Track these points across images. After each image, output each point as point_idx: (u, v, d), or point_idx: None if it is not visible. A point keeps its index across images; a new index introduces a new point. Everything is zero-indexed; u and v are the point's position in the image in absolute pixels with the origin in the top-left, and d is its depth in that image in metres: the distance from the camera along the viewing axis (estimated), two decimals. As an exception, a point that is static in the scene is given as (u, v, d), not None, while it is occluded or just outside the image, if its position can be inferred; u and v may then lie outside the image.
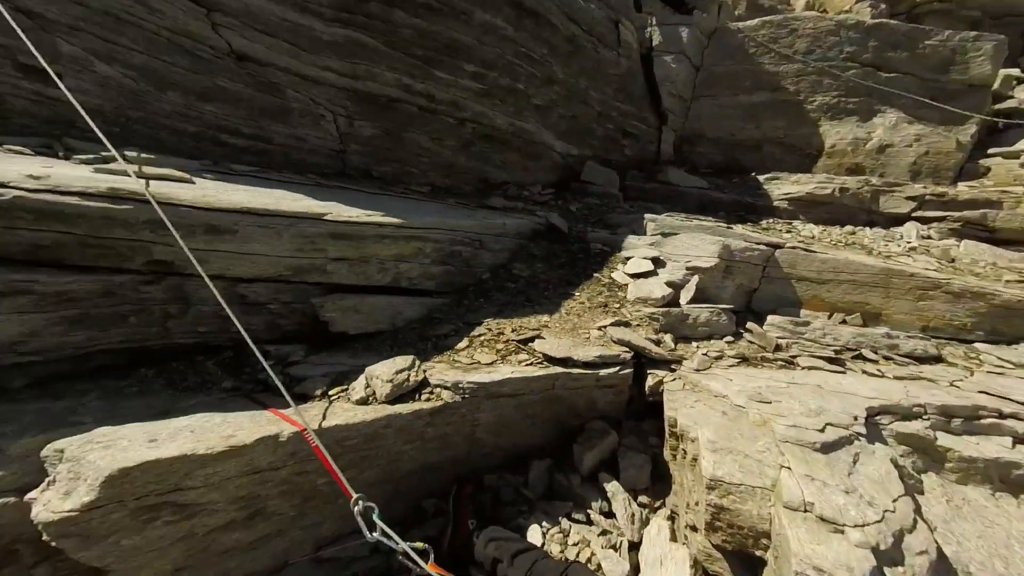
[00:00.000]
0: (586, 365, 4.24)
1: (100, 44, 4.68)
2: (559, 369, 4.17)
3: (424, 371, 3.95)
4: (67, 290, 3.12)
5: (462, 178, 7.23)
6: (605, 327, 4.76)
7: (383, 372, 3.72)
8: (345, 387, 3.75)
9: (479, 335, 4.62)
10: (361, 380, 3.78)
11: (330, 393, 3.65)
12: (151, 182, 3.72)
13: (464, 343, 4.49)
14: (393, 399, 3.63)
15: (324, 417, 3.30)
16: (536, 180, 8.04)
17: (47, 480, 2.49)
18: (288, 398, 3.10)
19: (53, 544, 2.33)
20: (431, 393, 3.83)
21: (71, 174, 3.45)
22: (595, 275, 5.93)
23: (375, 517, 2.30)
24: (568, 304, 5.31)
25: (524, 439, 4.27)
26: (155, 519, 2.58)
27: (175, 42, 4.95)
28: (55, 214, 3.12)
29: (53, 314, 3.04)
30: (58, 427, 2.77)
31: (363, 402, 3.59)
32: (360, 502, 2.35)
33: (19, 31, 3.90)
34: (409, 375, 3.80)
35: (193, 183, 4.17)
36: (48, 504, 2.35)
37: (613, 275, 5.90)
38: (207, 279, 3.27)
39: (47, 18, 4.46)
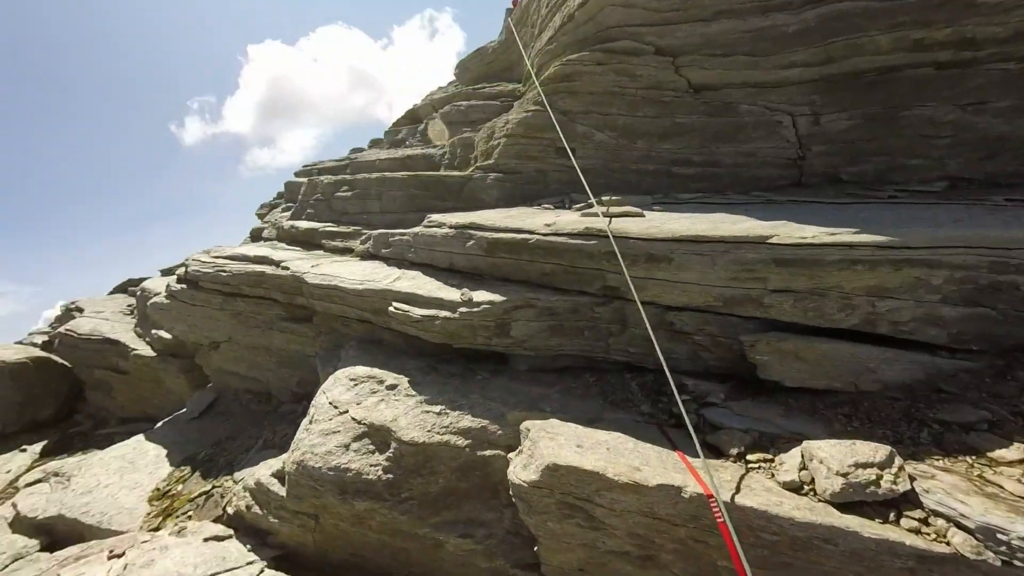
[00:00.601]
0: None
1: (599, 118, 6.11)
2: None
3: (911, 479, 2.45)
4: (553, 306, 4.15)
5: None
6: None
7: (832, 456, 2.59)
8: (770, 456, 2.91)
9: (1061, 449, 2.42)
10: (795, 455, 2.81)
11: (748, 458, 2.93)
12: (614, 219, 4.41)
13: (1012, 452, 2.48)
14: (844, 502, 2.45)
15: (737, 489, 2.65)
16: None
17: (520, 449, 3.34)
18: (698, 447, 2.71)
19: (513, 499, 3.08)
20: (925, 522, 2.30)
21: (568, 220, 4.60)
22: None
23: None
24: None
25: None
26: (571, 517, 2.89)
27: (646, 97, 5.72)
28: (553, 250, 4.22)
29: (543, 323, 4.14)
30: (532, 409, 3.70)
31: (794, 488, 2.63)
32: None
33: (559, 129, 5.68)
34: (880, 476, 2.45)
35: (643, 216, 4.59)
36: (515, 468, 3.12)
37: None
38: (639, 304, 3.44)
39: (573, 111, 6.29)
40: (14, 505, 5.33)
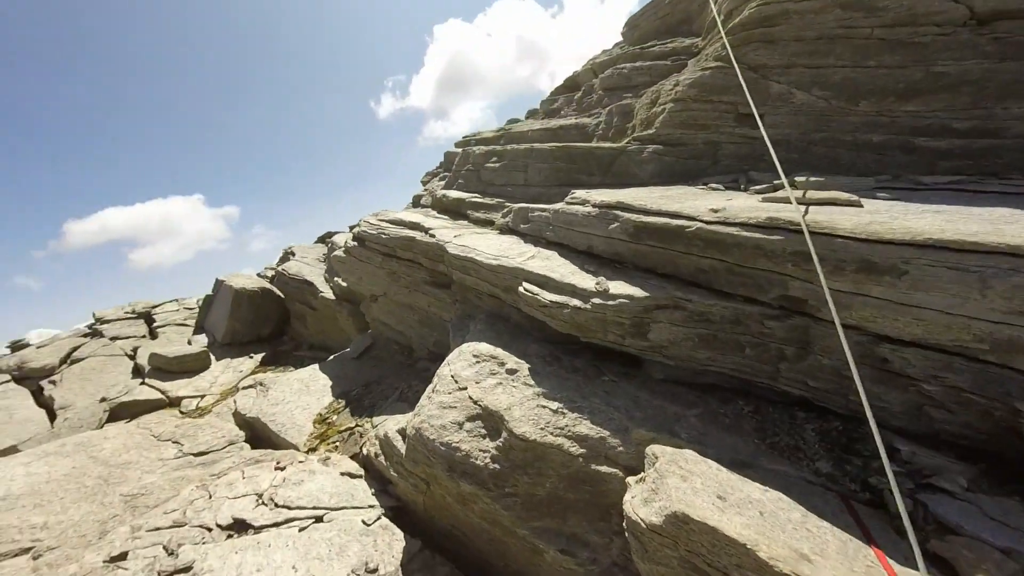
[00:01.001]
0: None
1: (805, 73, 4.73)
2: None
3: None
4: (707, 311, 3.38)
5: None
6: None
7: None
8: (1057, 610, 1.82)
9: None
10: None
11: (1011, 598, 1.89)
12: (812, 208, 3.33)
13: None
14: None
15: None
16: None
17: (641, 476, 2.82)
18: (918, 556, 1.84)
19: (625, 532, 2.61)
20: None
21: (742, 205, 3.66)
22: None
23: None
24: None
25: None
26: (697, 584, 2.31)
27: (887, 39, 4.17)
28: (718, 242, 3.40)
29: (691, 330, 3.41)
30: (662, 430, 3.10)
31: None
32: None
33: (746, 88, 4.57)
34: None
35: (860, 206, 3.38)
36: (633, 499, 2.63)
37: None
38: (839, 327, 2.51)
39: (768, 66, 5.00)
40: (235, 401, 6.99)
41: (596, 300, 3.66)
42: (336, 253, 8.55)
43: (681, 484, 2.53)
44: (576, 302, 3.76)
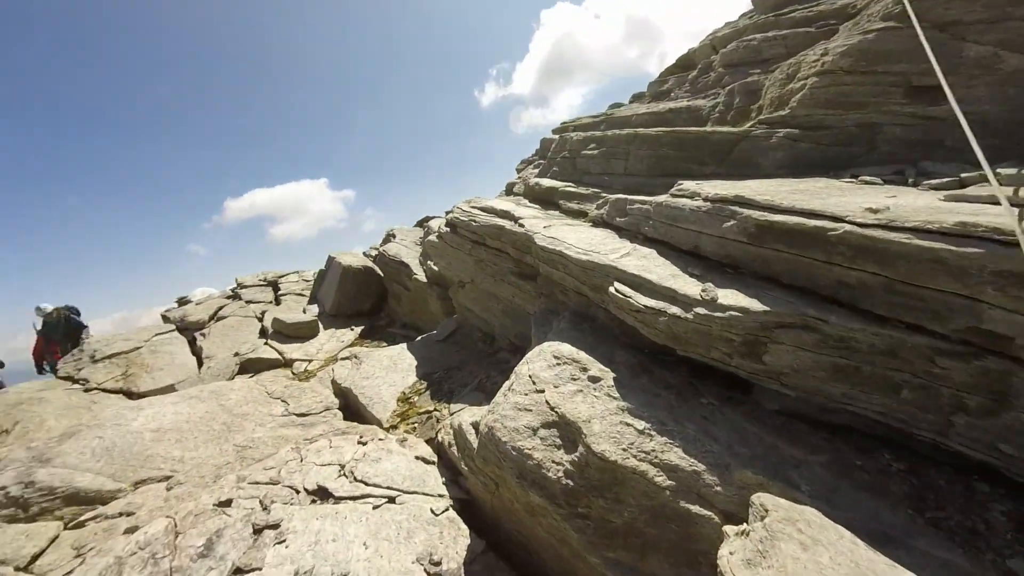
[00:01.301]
0: None
1: (1019, 28, 3.57)
2: None
3: None
4: (849, 337, 2.69)
5: None
6: None
7: None
8: None
9: None
10: None
11: None
12: None
13: None
14: None
15: None
16: None
17: (743, 528, 2.33)
18: None
19: (719, 598, 2.17)
20: None
21: (915, 205, 2.85)
22: None
23: None
24: None
25: None
26: None
27: None
28: (877, 252, 2.67)
29: (824, 358, 2.75)
30: (776, 478, 2.54)
31: None
32: None
33: (930, 52, 3.57)
34: None
35: (1108, 210, 2.41)
36: (732, 556, 2.17)
37: None
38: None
39: (963, 23, 3.88)
40: (332, 370, 7.62)
41: (700, 310, 3.14)
42: (430, 238, 8.82)
43: (800, 554, 2.01)
44: (675, 310, 3.28)
